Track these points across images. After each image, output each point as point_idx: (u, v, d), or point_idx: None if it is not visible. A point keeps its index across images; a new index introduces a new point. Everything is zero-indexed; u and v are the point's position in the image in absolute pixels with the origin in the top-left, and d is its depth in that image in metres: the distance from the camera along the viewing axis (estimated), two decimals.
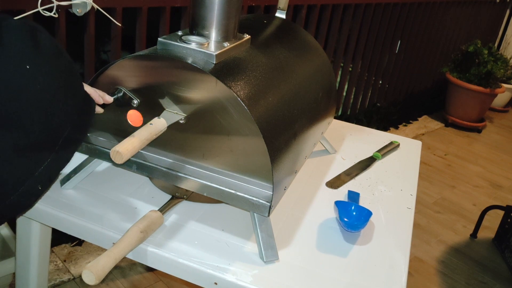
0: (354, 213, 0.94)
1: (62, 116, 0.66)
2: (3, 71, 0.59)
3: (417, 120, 3.65)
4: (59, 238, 1.71)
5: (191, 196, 0.94)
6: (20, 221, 0.96)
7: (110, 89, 0.82)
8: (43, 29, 0.67)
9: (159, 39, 0.80)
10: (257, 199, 0.79)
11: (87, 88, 0.76)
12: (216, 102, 0.76)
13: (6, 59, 0.60)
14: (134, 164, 0.87)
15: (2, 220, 0.69)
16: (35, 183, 0.66)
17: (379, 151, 1.28)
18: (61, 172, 0.72)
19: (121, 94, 0.82)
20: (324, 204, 1.01)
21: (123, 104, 0.83)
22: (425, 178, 2.77)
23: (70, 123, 0.68)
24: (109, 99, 0.80)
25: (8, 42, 0.61)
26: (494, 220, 2.33)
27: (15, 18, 0.64)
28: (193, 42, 0.79)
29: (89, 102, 0.75)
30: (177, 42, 0.79)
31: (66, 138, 0.68)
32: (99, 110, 0.81)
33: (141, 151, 0.86)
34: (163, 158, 0.85)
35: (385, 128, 3.25)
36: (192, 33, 0.84)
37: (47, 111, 0.64)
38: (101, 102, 0.79)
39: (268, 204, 0.78)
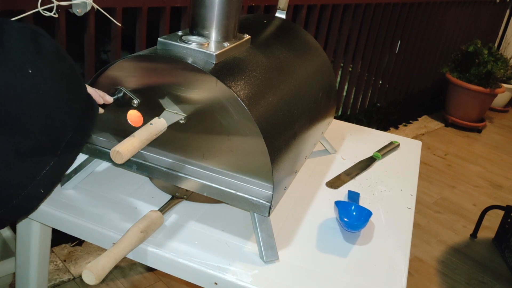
0: (354, 213, 0.94)
1: (65, 120, 0.66)
2: (4, 75, 0.59)
3: (417, 120, 3.65)
4: (59, 238, 1.71)
5: (191, 196, 0.94)
6: (20, 221, 0.96)
7: (110, 90, 0.82)
8: (45, 32, 0.67)
9: (159, 39, 0.80)
10: (257, 199, 0.79)
11: (88, 88, 0.76)
12: (216, 102, 0.76)
13: (7, 63, 0.60)
14: (134, 164, 0.87)
15: (5, 223, 0.68)
16: (37, 187, 0.65)
17: (379, 151, 1.28)
18: (64, 175, 0.71)
19: (121, 94, 0.82)
20: (324, 204, 1.01)
21: (123, 104, 0.83)
22: (425, 178, 2.77)
23: (72, 126, 0.68)
24: (109, 99, 0.80)
25: (10, 46, 0.61)
26: (494, 220, 2.33)
27: (14, 18, 0.64)
28: (193, 42, 0.79)
29: (92, 105, 0.74)
30: (177, 42, 0.79)
31: (68, 142, 0.67)
32: (99, 110, 0.81)
33: (141, 151, 0.86)
34: (163, 158, 0.85)
35: (385, 128, 3.25)
36: (192, 33, 0.84)
37: (49, 115, 0.63)
38: (101, 102, 0.79)
39: (268, 204, 0.78)
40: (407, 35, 3.20)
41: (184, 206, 0.93)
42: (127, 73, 0.81)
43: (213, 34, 0.83)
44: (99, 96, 0.79)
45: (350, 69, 2.93)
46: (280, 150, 0.79)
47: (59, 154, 0.67)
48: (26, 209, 0.68)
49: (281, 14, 1.18)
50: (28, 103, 0.61)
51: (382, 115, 3.27)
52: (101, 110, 0.81)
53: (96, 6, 1.39)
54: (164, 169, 0.85)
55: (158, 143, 0.83)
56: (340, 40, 2.71)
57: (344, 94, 3.01)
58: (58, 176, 0.69)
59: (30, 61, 0.62)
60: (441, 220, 2.37)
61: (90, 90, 0.77)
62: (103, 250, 1.04)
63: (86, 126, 0.72)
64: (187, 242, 0.83)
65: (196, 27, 0.83)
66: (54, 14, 1.28)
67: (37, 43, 0.63)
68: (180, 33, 0.84)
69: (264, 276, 0.78)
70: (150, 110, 0.82)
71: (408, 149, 1.35)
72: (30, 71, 0.61)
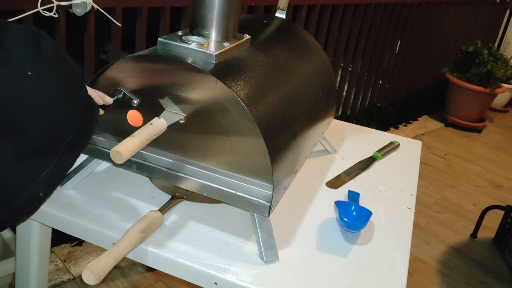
0: (354, 213, 0.94)
1: (65, 122, 0.66)
2: (5, 76, 0.59)
3: (417, 120, 3.65)
4: (59, 238, 1.71)
5: (191, 196, 0.94)
6: (20, 221, 0.96)
7: (110, 90, 0.82)
8: (46, 34, 0.67)
9: (159, 39, 0.80)
10: (257, 199, 0.79)
11: (87, 90, 0.76)
12: (216, 102, 0.76)
13: (7, 63, 0.60)
14: (134, 164, 0.87)
15: (4, 225, 0.68)
16: (37, 189, 0.65)
17: (379, 151, 1.28)
18: (63, 177, 0.71)
19: (121, 95, 0.82)
20: (324, 204, 1.01)
21: (123, 105, 0.83)
22: (425, 178, 2.77)
23: (73, 128, 0.68)
24: (109, 100, 0.80)
25: (10, 48, 0.60)
26: (494, 220, 2.33)
27: (14, 18, 0.64)
28: (193, 42, 0.79)
29: (93, 107, 0.74)
30: (177, 42, 0.79)
31: (69, 143, 0.67)
32: (99, 112, 0.81)
33: (141, 151, 0.86)
34: (163, 158, 0.85)
35: (385, 128, 3.25)
36: (192, 33, 0.84)
37: (50, 117, 0.63)
38: (101, 103, 0.79)
39: (268, 204, 0.78)
40: (407, 35, 3.20)
41: (184, 206, 0.93)
42: (127, 73, 0.81)
43: (213, 34, 0.83)
44: (99, 97, 0.79)
45: (350, 69, 2.93)
46: (280, 150, 0.79)
47: (59, 156, 0.66)
48: (26, 211, 0.68)
49: (281, 14, 1.18)
50: (28, 105, 0.61)
51: (382, 115, 3.27)
52: (101, 112, 0.81)
53: (96, 6, 1.39)
54: (164, 169, 0.85)
55: (158, 143, 0.83)
56: (340, 40, 2.71)
57: (344, 94, 3.01)
58: (58, 178, 0.69)
59: (31, 62, 0.62)
60: (441, 220, 2.37)
61: (90, 91, 0.77)
62: (103, 250, 1.04)
63: (87, 128, 0.72)
64: (187, 242, 0.83)
65: (196, 27, 0.83)
66: (54, 14, 1.28)
67: (38, 44, 0.63)
68: (180, 33, 0.84)
69: (264, 276, 0.78)
70: (150, 110, 0.82)
71: (408, 149, 1.35)
72: (30, 73, 0.61)
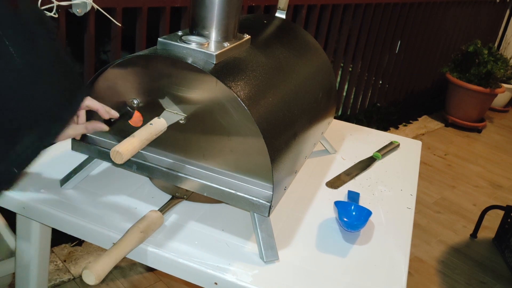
0: (354, 213, 0.94)
1: (54, 111, 0.65)
2: None
3: (417, 120, 3.65)
4: (59, 238, 1.71)
5: (191, 196, 0.94)
6: (20, 221, 0.97)
7: (110, 91, 0.82)
8: (43, 32, 0.67)
9: (159, 39, 0.80)
10: (257, 199, 0.79)
11: (94, 104, 0.77)
12: (216, 102, 0.76)
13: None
14: (134, 164, 0.87)
15: None
16: (11, 166, 0.64)
17: (379, 151, 1.28)
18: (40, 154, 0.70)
19: (125, 109, 0.83)
20: (324, 204, 1.01)
21: (127, 115, 0.83)
22: (425, 178, 2.77)
23: (60, 114, 0.67)
24: (115, 114, 0.81)
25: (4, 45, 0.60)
26: (494, 220, 2.33)
27: None
28: (193, 42, 0.79)
29: (82, 93, 0.74)
30: (177, 42, 0.79)
31: (49, 118, 0.66)
32: (104, 128, 0.82)
33: (141, 151, 0.86)
34: (163, 158, 0.85)
35: (385, 128, 3.25)
36: (192, 33, 0.84)
37: (41, 113, 0.63)
38: (107, 117, 0.80)
39: (268, 204, 0.78)
40: (407, 35, 3.20)
41: (184, 206, 0.93)
42: (127, 73, 0.81)
43: (213, 34, 0.83)
44: (106, 111, 0.79)
45: (350, 69, 2.93)
46: (280, 150, 0.79)
47: (39, 135, 0.66)
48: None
49: (281, 14, 1.18)
50: (20, 105, 0.60)
51: (382, 115, 3.27)
52: (106, 128, 0.82)
53: (96, 6, 1.39)
54: (164, 169, 0.85)
55: (158, 143, 0.83)
56: (340, 40, 2.71)
57: (344, 94, 3.01)
58: (33, 156, 0.68)
59: (25, 62, 0.61)
60: (441, 220, 2.37)
61: (97, 105, 0.78)
62: (103, 250, 1.04)
63: (73, 110, 0.72)
64: (187, 242, 0.83)
65: (196, 27, 0.83)
66: (54, 14, 1.28)
67: (34, 43, 0.63)
68: (180, 33, 0.84)
69: (264, 276, 0.78)
70: (150, 110, 0.82)
71: (408, 149, 1.35)
72: (24, 73, 0.60)
